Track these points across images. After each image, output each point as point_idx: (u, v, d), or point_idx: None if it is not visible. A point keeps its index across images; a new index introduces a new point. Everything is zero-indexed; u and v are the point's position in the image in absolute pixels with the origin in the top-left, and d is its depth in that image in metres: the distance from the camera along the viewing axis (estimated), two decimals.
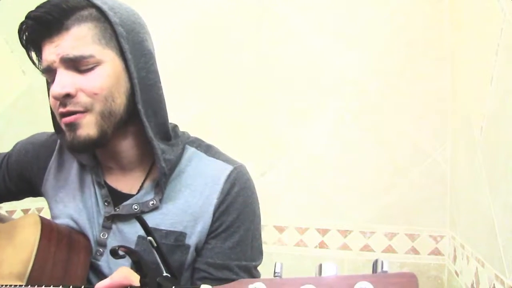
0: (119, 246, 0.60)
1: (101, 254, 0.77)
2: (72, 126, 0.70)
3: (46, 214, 0.84)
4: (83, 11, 0.70)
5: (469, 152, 1.21)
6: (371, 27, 1.61)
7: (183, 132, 0.84)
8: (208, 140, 0.86)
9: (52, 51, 0.69)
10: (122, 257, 0.60)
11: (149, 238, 0.61)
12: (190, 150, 0.81)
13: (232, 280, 0.72)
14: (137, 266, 0.59)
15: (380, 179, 1.58)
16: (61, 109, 0.70)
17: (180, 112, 1.68)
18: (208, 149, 0.83)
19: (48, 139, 0.88)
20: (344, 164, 1.62)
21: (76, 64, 0.69)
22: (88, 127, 0.70)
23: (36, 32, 0.70)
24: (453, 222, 1.46)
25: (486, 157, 1.05)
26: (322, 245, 1.62)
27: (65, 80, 0.68)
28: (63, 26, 0.68)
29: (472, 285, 1.15)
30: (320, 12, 1.66)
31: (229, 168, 0.79)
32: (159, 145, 0.74)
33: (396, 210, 1.57)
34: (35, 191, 0.89)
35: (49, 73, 0.71)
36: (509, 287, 0.87)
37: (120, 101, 0.72)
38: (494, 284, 0.96)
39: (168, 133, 0.78)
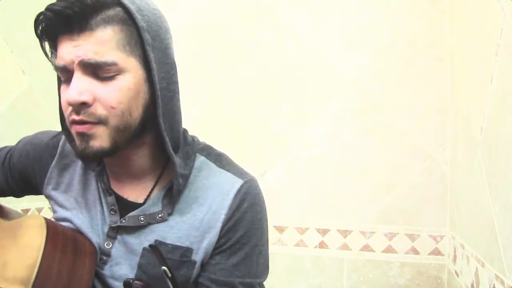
0: (133, 279, 0.60)
1: (104, 263, 0.75)
2: (85, 136, 0.66)
3: (46, 214, 0.83)
4: (110, 10, 0.65)
5: (469, 152, 1.21)
6: (371, 27, 1.61)
7: (193, 138, 0.81)
8: (208, 140, 0.84)
9: (71, 51, 0.64)
10: None
11: (164, 268, 0.60)
12: (200, 159, 0.78)
13: None
14: None
15: (380, 179, 1.58)
16: (74, 117, 0.66)
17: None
18: (218, 159, 0.79)
19: (50, 141, 0.85)
20: (344, 164, 1.62)
21: (96, 70, 0.64)
22: (101, 139, 0.66)
23: (54, 25, 0.64)
24: (453, 222, 1.46)
25: (486, 157, 1.05)
26: (322, 245, 1.62)
27: (83, 86, 0.64)
28: (87, 25, 0.63)
29: (472, 285, 1.15)
30: (320, 12, 1.66)
31: (239, 182, 0.76)
32: (177, 161, 0.72)
33: (396, 210, 1.57)
34: (37, 191, 0.87)
35: (64, 72, 0.66)
36: (509, 287, 0.87)
37: (136, 115, 0.68)
38: (494, 284, 0.96)
39: (179, 143, 0.75)
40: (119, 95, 0.65)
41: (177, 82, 0.73)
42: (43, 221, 0.72)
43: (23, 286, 0.66)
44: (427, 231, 1.54)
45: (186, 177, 0.74)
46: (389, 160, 1.58)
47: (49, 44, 0.69)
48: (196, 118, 1.71)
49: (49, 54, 0.70)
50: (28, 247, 0.69)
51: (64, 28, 0.64)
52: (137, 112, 0.68)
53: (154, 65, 0.67)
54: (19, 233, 0.72)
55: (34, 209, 1.64)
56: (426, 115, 1.55)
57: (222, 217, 0.73)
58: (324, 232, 1.63)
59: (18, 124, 1.56)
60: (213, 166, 0.78)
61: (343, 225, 1.61)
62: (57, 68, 0.67)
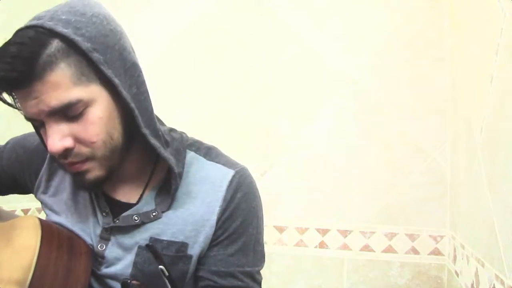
0: (131, 279, 0.60)
1: (100, 264, 0.75)
2: (79, 173, 0.68)
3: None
4: (49, 48, 0.60)
5: (469, 152, 1.21)
6: (371, 27, 1.61)
7: (181, 135, 0.81)
8: (209, 140, 0.84)
9: (33, 104, 0.62)
10: None
11: (161, 267, 0.60)
12: (189, 154, 0.78)
13: (237, 287, 0.72)
14: None
15: (380, 179, 1.58)
16: (63, 161, 0.67)
17: (180, 113, 1.68)
18: (208, 152, 0.79)
19: (40, 145, 0.83)
20: (344, 164, 1.62)
21: (65, 112, 0.63)
22: (95, 170, 0.68)
23: (4, 87, 0.63)
24: (453, 222, 1.46)
25: (486, 157, 1.05)
26: (322, 245, 1.62)
27: (60, 133, 0.64)
28: (34, 74, 0.59)
29: (472, 285, 1.15)
30: (320, 12, 1.66)
31: (230, 172, 0.76)
32: (173, 162, 0.72)
33: (396, 210, 1.57)
34: (27, 193, 0.87)
35: (34, 121, 0.66)
36: (509, 287, 0.87)
37: (117, 134, 0.68)
38: (494, 284, 0.96)
39: (164, 139, 0.74)
40: (93, 128, 0.65)
41: (144, 82, 0.70)
42: (38, 221, 0.72)
43: (19, 287, 0.66)
44: (427, 231, 1.54)
45: (180, 175, 0.74)
46: (389, 160, 1.58)
47: (8, 95, 0.66)
48: (195, 119, 1.71)
49: (14, 103, 0.67)
50: (23, 248, 0.69)
51: (14, 86, 0.62)
52: (117, 133, 0.68)
53: (116, 81, 0.64)
54: (13, 234, 0.72)
55: (34, 209, 1.64)
56: (426, 115, 1.55)
57: (217, 209, 0.74)
58: (324, 232, 1.63)
59: (18, 124, 1.55)
60: (203, 160, 0.78)
61: (343, 225, 1.61)
62: (26, 118, 0.66)
